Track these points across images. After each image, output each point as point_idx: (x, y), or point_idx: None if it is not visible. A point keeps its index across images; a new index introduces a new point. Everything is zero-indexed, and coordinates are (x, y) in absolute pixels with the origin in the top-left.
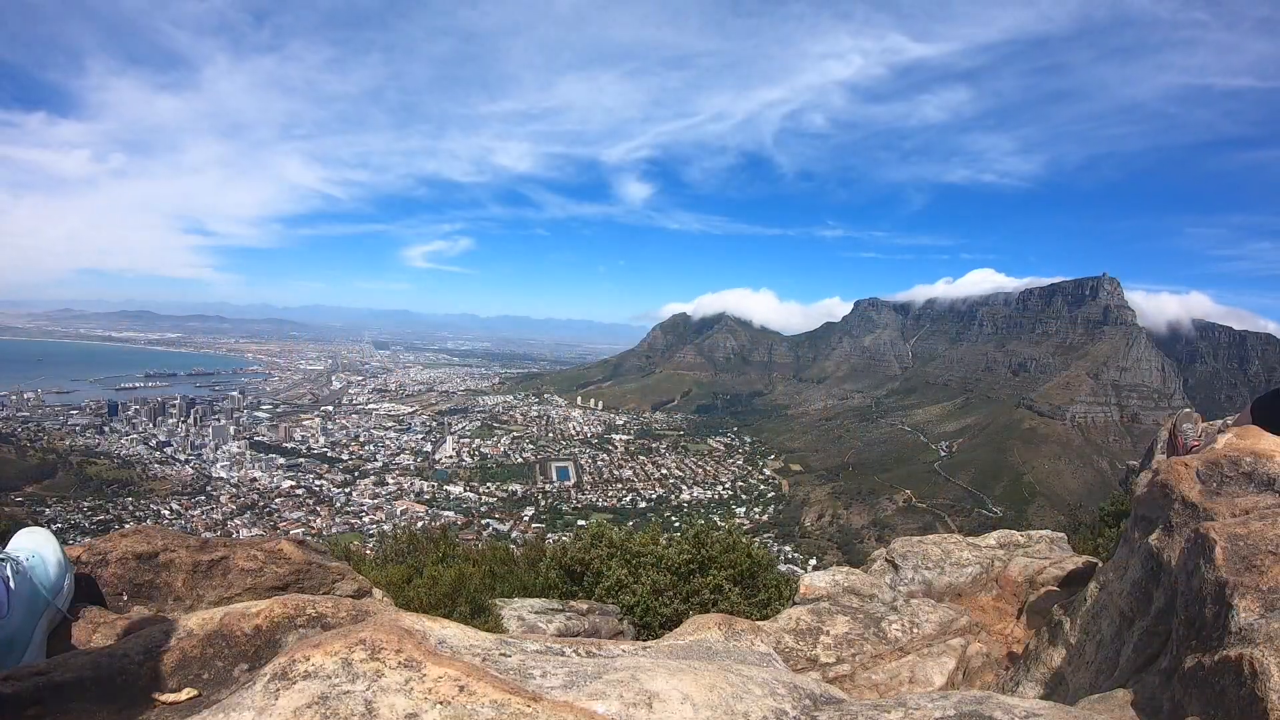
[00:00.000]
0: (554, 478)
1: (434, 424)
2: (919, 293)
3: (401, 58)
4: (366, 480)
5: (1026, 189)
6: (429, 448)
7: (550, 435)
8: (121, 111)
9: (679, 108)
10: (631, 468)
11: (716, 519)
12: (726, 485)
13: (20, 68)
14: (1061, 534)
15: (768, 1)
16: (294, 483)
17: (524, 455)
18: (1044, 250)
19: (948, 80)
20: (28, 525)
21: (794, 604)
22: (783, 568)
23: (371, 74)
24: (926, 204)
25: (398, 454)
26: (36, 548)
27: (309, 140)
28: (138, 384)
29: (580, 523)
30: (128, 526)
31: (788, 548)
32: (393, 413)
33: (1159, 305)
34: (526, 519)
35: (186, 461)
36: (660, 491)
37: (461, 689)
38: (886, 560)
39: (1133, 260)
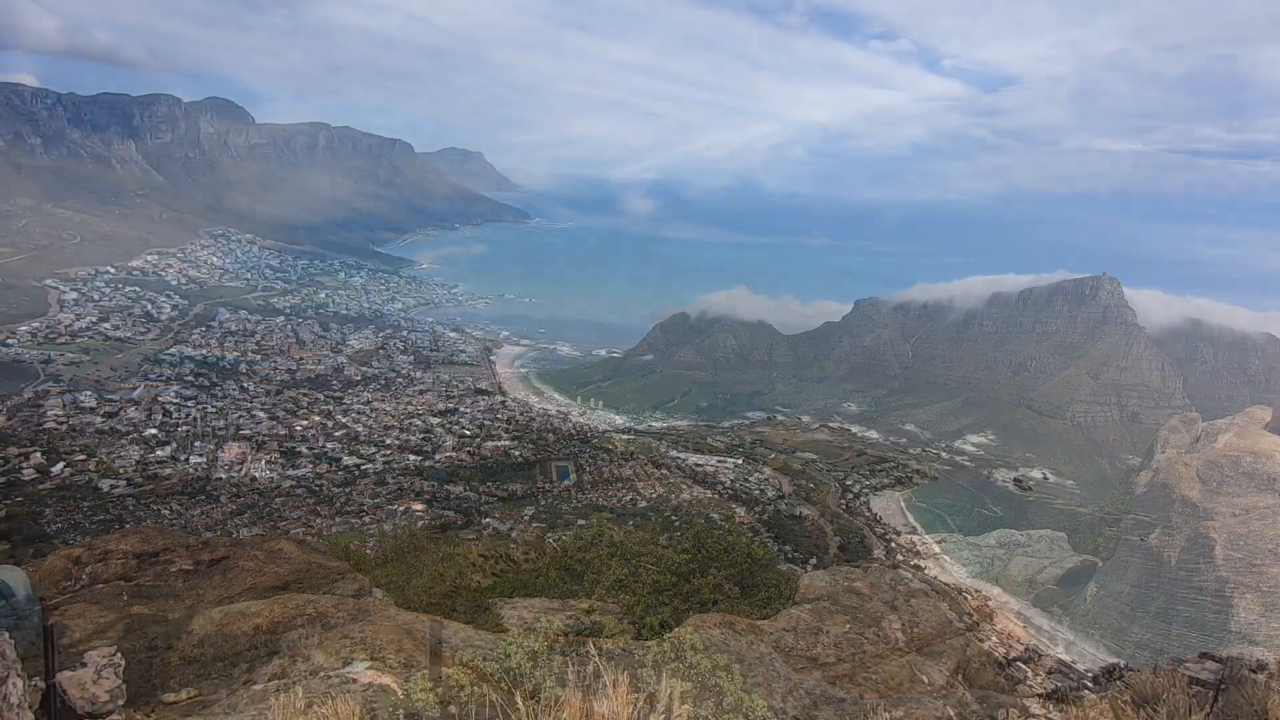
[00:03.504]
0: (554, 477)
1: (434, 423)
2: (919, 292)
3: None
4: (366, 480)
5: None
6: (429, 447)
7: (550, 434)
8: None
9: (680, 138)
10: (631, 467)
11: (716, 518)
12: (726, 485)
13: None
14: (1061, 534)
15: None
16: (294, 482)
17: (524, 455)
18: (1020, 254)
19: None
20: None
21: (794, 603)
22: (783, 567)
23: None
24: (902, 216)
25: (398, 453)
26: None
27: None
28: (137, 383)
29: (580, 522)
30: (128, 526)
31: (788, 547)
32: (393, 411)
33: (1159, 305)
34: (526, 519)
35: (186, 461)
36: (660, 491)
37: (462, 688)
38: (886, 559)
39: (1104, 265)
